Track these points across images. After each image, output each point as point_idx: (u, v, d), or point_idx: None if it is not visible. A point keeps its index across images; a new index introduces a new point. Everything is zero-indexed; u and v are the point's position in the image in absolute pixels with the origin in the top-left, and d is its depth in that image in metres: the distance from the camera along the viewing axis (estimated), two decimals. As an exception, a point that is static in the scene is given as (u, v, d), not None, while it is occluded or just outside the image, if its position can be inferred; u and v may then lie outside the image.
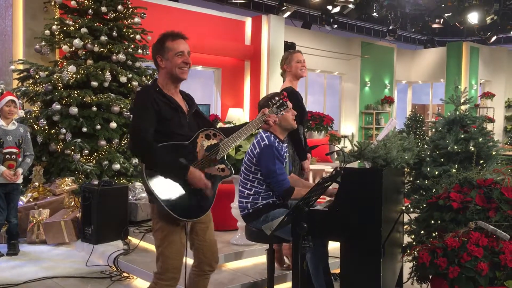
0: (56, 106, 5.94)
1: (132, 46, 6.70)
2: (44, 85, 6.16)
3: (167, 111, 2.60)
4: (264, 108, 2.93)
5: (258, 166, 3.32)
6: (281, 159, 3.30)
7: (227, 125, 3.20)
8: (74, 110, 5.92)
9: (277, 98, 3.00)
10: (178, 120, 2.64)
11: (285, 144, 3.51)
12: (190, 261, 2.79)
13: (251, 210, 3.34)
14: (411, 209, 3.76)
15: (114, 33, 6.48)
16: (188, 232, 2.65)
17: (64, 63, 6.44)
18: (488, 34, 13.76)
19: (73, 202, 5.50)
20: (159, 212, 2.60)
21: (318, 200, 3.09)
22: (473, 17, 11.73)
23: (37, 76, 6.28)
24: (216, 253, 2.88)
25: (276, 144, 3.31)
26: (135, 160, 6.26)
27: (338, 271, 2.97)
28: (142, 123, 2.53)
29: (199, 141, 2.65)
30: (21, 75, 6.45)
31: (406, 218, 3.87)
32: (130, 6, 6.82)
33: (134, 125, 2.57)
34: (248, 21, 11.03)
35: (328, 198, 3.55)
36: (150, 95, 2.59)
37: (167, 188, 2.53)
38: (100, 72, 6.17)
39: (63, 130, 5.94)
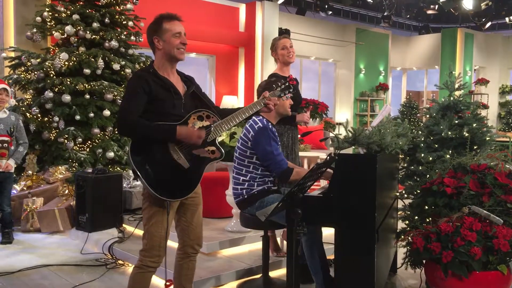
0: (49, 94, 5.89)
1: (125, 33, 6.62)
2: (36, 72, 6.10)
3: (160, 91, 2.62)
4: (265, 91, 2.91)
5: (254, 150, 3.31)
6: (276, 140, 3.32)
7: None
8: (67, 98, 5.87)
9: (283, 80, 2.97)
10: (172, 101, 2.65)
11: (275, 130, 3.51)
12: (171, 243, 2.79)
13: (246, 197, 3.35)
14: (406, 195, 3.77)
15: (106, 20, 6.40)
16: (169, 212, 2.67)
17: (56, 50, 6.36)
18: (483, 20, 13.73)
19: (67, 190, 5.48)
20: (147, 192, 2.64)
21: (312, 187, 3.09)
22: (467, 3, 11.69)
23: (29, 64, 6.21)
24: (201, 236, 2.90)
25: (270, 126, 3.33)
26: (129, 148, 6.23)
27: (332, 257, 2.98)
28: (128, 105, 2.58)
29: (190, 122, 2.66)
30: (13, 62, 6.37)
31: (400, 204, 3.88)
32: (122, -8, 6.73)
33: (121, 107, 2.65)
34: (242, 8, 10.94)
35: (322, 185, 3.55)
36: (142, 78, 2.62)
37: (151, 168, 2.56)
38: (93, 60, 6.11)
39: (56, 118, 5.90)
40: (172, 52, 2.67)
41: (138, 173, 2.54)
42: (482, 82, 14.62)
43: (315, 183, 3.42)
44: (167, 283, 2.84)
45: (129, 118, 2.55)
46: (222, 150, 2.76)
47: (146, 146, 2.58)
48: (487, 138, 3.84)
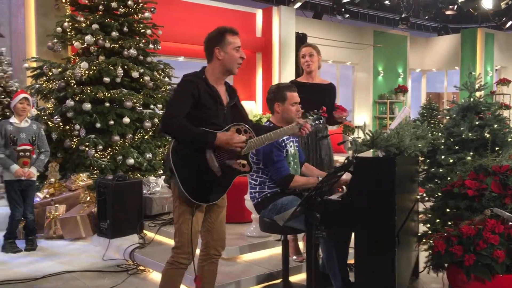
0: (70, 103, 5.99)
1: (143, 41, 6.70)
2: (57, 82, 6.21)
3: (207, 99, 2.73)
4: (299, 119, 3.15)
5: (257, 156, 3.37)
6: (278, 147, 3.34)
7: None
8: (87, 106, 5.96)
9: (315, 110, 3.34)
10: (216, 110, 2.76)
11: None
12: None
13: (259, 200, 3.41)
14: (426, 198, 3.72)
15: (125, 29, 6.49)
16: (195, 213, 2.75)
17: (77, 60, 6.47)
18: (503, 19, 13.51)
19: (88, 197, 5.55)
20: (178, 191, 2.72)
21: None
22: (487, 3, 11.52)
23: (50, 73, 6.32)
24: (224, 238, 2.98)
25: None
26: (148, 155, 6.29)
27: (353, 261, 2.96)
28: (175, 106, 2.68)
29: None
30: (35, 72, 6.50)
31: (421, 207, 3.83)
32: (140, 1, 6.81)
33: (168, 107, 2.74)
34: (259, 13, 10.99)
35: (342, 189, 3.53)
36: (194, 83, 2.72)
37: (187, 170, 2.67)
38: (112, 68, 6.19)
39: (77, 126, 5.99)
40: (231, 65, 2.79)
41: (175, 173, 2.65)
42: (504, 82, 14.37)
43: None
44: (197, 279, 2.88)
45: (174, 118, 2.64)
46: (252, 165, 2.87)
47: (187, 149, 2.68)
48: (509, 139, 3.77)
